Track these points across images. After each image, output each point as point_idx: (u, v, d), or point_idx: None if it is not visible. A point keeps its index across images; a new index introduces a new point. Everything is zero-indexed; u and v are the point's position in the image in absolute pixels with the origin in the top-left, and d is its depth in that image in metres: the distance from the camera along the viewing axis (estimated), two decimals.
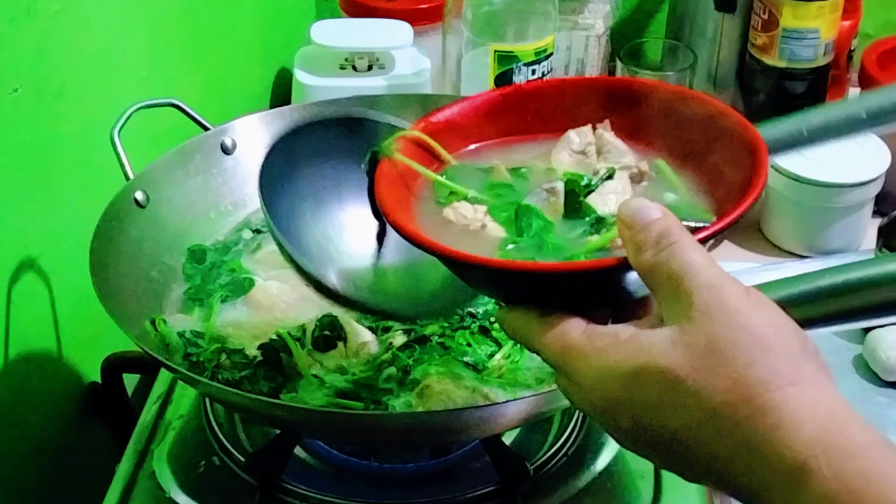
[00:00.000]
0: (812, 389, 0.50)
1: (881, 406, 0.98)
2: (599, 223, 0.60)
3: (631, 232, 0.54)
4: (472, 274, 0.60)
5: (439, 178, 0.65)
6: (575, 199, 0.62)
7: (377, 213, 0.66)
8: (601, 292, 0.58)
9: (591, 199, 0.62)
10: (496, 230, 0.62)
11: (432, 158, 0.66)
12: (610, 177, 0.63)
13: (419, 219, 0.62)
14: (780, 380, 0.49)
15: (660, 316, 0.53)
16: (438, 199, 0.64)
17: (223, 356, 0.80)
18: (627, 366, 0.51)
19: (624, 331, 0.53)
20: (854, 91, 1.29)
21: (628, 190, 0.63)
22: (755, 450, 0.48)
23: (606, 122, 0.67)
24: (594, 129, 0.67)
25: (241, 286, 0.87)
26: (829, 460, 0.47)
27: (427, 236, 0.58)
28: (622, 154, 0.66)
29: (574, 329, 0.55)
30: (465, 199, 0.63)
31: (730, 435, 0.49)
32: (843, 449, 0.47)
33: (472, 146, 0.68)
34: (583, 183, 0.62)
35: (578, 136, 0.67)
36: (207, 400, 0.88)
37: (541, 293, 0.57)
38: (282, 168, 0.76)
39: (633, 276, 0.55)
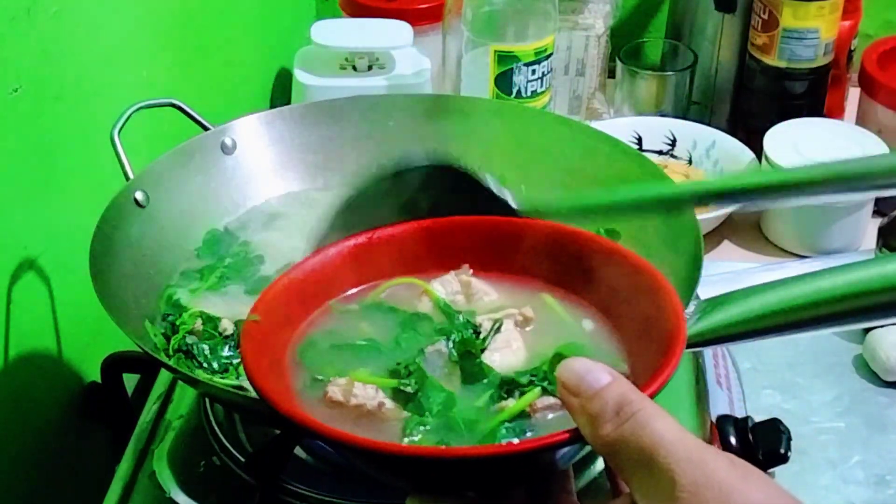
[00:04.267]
0: None
1: (881, 406, 0.98)
2: (508, 384, 0.55)
3: (580, 400, 0.47)
4: (396, 465, 0.53)
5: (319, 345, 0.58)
6: (472, 363, 0.56)
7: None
8: (533, 469, 0.52)
9: (485, 357, 0.57)
10: (394, 409, 0.55)
11: (302, 313, 0.60)
12: (498, 330, 0.58)
13: (301, 397, 0.55)
14: None
15: (630, 497, 0.46)
16: (315, 376, 0.57)
17: (198, 321, 0.81)
18: None
19: None
20: (854, 91, 1.29)
21: (519, 339, 0.58)
22: None
23: (465, 266, 0.63)
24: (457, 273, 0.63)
25: (249, 263, 0.88)
26: None
27: (321, 422, 0.51)
28: (493, 298, 0.61)
29: None
30: (351, 377, 0.56)
31: None
32: None
33: (336, 298, 0.62)
34: (475, 340, 0.57)
35: (443, 286, 0.62)
36: (207, 400, 0.88)
37: (468, 478, 0.51)
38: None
39: (575, 450, 0.49)
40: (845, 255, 1.15)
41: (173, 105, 0.93)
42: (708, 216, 1.14)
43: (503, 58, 1.15)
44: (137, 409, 0.92)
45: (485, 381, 0.55)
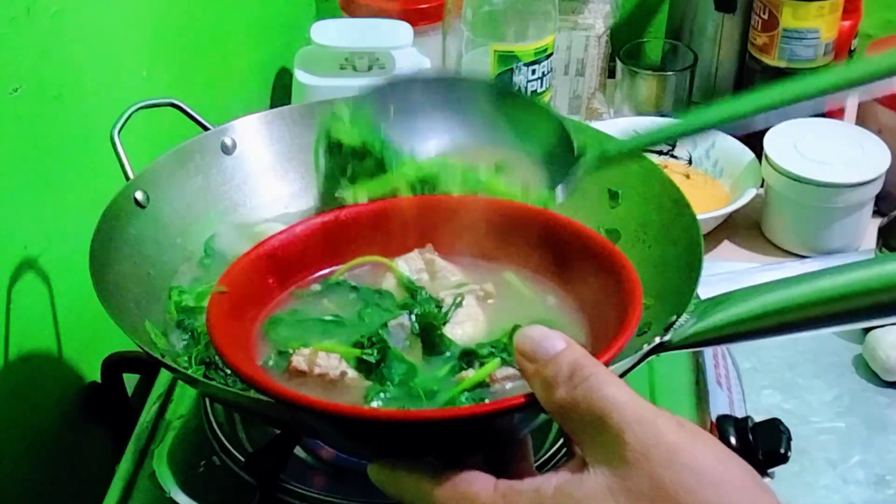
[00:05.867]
0: None
1: (881, 406, 0.98)
2: (468, 356, 0.56)
3: (535, 366, 0.48)
4: (353, 429, 0.54)
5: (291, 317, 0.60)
6: (433, 335, 0.57)
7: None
8: (491, 434, 0.53)
9: (447, 331, 0.58)
10: (356, 379, 0.56)
11: (268, 291, 0.61)
12: (460, 304, 0.59)
13: (266, 369, 0.57)
14: None
15: (582, 460, 0.47)
16: (280, 349, 0.58)
17: None
18: None
19: (545, 484, 0.47)
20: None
21: (480, 313, 0.59)
22: None
23: (429, 245, 0.64)
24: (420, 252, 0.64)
25: None
26: None
27: (284, 387, 0.52)
28: (456, 276, 0.62)
29: (482, 489, 0.48)
30: (315, 347, 0.57)
31: None
32: None
33: (307, 277, 0.63)
34: (437, 314, 0.58)
35: (407, 264, 0.63)
36: (207, 400, 0.88)
37: (426, 443, 0.52)
38: (374, 114, 0.72)
39: (531, 416, 0.50)
40: (845, 255, 1.15)
41: (173, 105, 0.93)
42: (708, 216, 1.14)
43: (503, 58, 1.15)
44: (137, 409, 0.92)
45: (446, 353, 0.56)
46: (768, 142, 1.17)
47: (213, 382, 0.78)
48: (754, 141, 1.20)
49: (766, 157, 1.16)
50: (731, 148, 1.24)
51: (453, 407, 0.52)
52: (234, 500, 0.82)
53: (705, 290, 0.70)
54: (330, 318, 0.60)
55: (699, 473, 0.45)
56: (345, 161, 0.70)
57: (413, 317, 0.58)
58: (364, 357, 0.55)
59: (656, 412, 0.46)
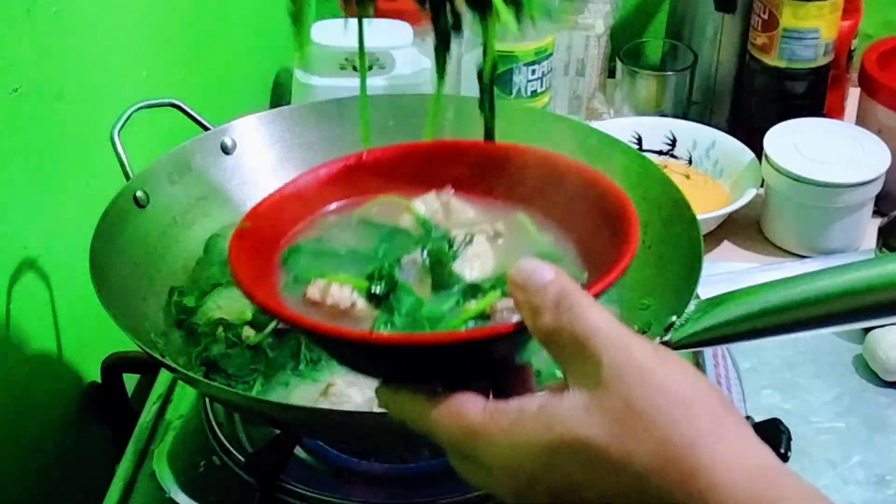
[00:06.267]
0: (738, 445, 0.47)
1: (881, 406, 0.98)
2: (474, 290, 0.58)
3: (526, 295, 0.51)
4: (354, 352, 0.57)
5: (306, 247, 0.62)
6: (442, 270, 0.59)
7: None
8: (489, 361, 0.55)
9: (457, 267, 0.60)
10: (366, 310, 0.59)
11: (291, 225, 0.64)
12: (469, 242, 0.61)
13: (283, 296, 0.60)
14: (706, 437, 0.47)
15: (564, 382, 0.50)
16: (297, 277, 0.61)
17: (220, 329, 0.81)
18: (541, 442, 0.48)
19: (529, 403, 0.50)
20: (854, 91, 1.29)
21: (489, 251, 0.62)
22: None
23: (448, 188, 0.66)
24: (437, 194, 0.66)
25: None
26: None
27: (293, 312, 0.56)
28: (470, 216, 0.64)
29: (472, 408, 0.51)
30: (329, 279, 0.60)
31: (660, 502, 0.47)
32: None
33: (329, 213, 0.66)
34: (447, 251, 0.60)
35: (424, 204, 0.65)
36: (207, 400, 0.88)
37: (426, 368, 0.55)
38: None
39: (523, 342, 0.53)
40: (845, 255, 1.15)
41: (173, 105, 0.93)
42: (708, 216, 1.14)
43: (503, 58, 1.15)
44: (137, 409, 0.92)
45: (453, 288, 0.59)
46: (768, 142, 1.17)
47: (214, 383, 0.78)
48: (754, 141, 1.20)
49: (766, 157, 1.16)
50: (731, 148, 1.24)
51: (447, 331, 0.55)
52: (234, 500, 0.82)
53: (705, 290, 0.70)
54: (347, 251, 0.63)
55: (668, 393, 0.47)
56: None
57: (425, 253, 0.61)
58: (373, 288, 0.58)
59: (632, 336, 0.49)
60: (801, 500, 0.47)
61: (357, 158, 0.68)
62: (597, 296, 0.52)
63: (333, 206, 0.67)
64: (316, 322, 0.55)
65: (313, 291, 0.59)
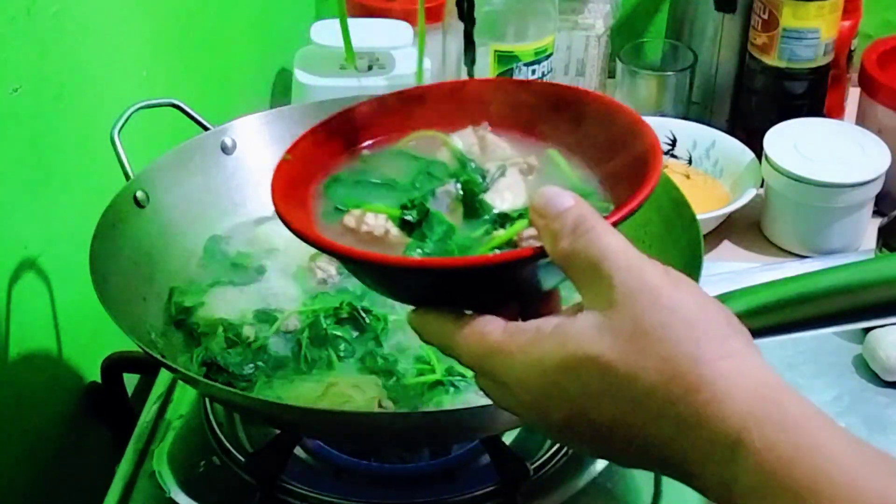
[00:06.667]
0: (742, 362, 0.49)
1: (881, 406, 0.98)
2: (503, 219, 0.60)
3: (545, 221, 0.53)
4: (381, 276, 0.60)
5: (345, 176, 0.65)
6: (473, 200, 0.62)
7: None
8: (515, 286, 0.58)
9: (488, 198, 0.62)
10: (399, 237, 0.61)
11: (329, 160, 0.66)
12: (502, 174, 0.64)
13: (319, 224, 0.62)
14: (710, 354, 0.49)
15: (580, 304, 0.52)
16: (336, 206, 0.63)
17: (220, 328, 0.81)
18: (555, 358, 0.51)
19: (545, 323, 0.52)
20: (854, 91, 1.29)
21: (520, 184, 0.64)
22: (691, 427, 0.48)
23: (485, 123, 0.67)
24: (475, 130, 0.67)
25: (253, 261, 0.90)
26: (761, 433, 0.47)
27: (329, 240, 0.58)
28: (505, 151, 0.66)
29: (493, 328, 0.54)
30: (364, 208, 0.62)
31: (665, 415, 0.49)
32: (775, 421, 0.47)
33: (369, 145, 0.68)
34: (479, 182, 0.63)
35: (461, 139, 0.67)
36: (207, 400, 0.88)
37: (453, 292, 0.57)
38: None
39: (546, 267, 0.54)
40: (845, 255, 1.15)
41: (173, 105, 0.93)
42: (708, 216, 1.14)
43: (503, 58, 1.15)
44: (137, 409, 0.92)
45: (483, 217, 0.61)
46: (768, 142, 1.17)
47: (214, 383, 0.78)
48: (754, 141, 1.20)
49: (766, 157, 1.16)
50: (731, 148, 1.24)
51: (471, 256, 0.57)
52: (234, 500, 0.82)
53: (705, 289, 0.70)
54: (384, 181, 0.65)
55: (676, 313, 0.49)
56: None
57: (458, 184, 0.63)
58: (405, 217, 0.61)
59: (645, 260, 0.51)
60: (803, 417, 0.48)
61: (398, 94, 0.70)
62: (615, 224, 0.54)
63: (374, 140, 0.69)
64: (349, 248, 0.57)
65: (349, 220, 0.61)
